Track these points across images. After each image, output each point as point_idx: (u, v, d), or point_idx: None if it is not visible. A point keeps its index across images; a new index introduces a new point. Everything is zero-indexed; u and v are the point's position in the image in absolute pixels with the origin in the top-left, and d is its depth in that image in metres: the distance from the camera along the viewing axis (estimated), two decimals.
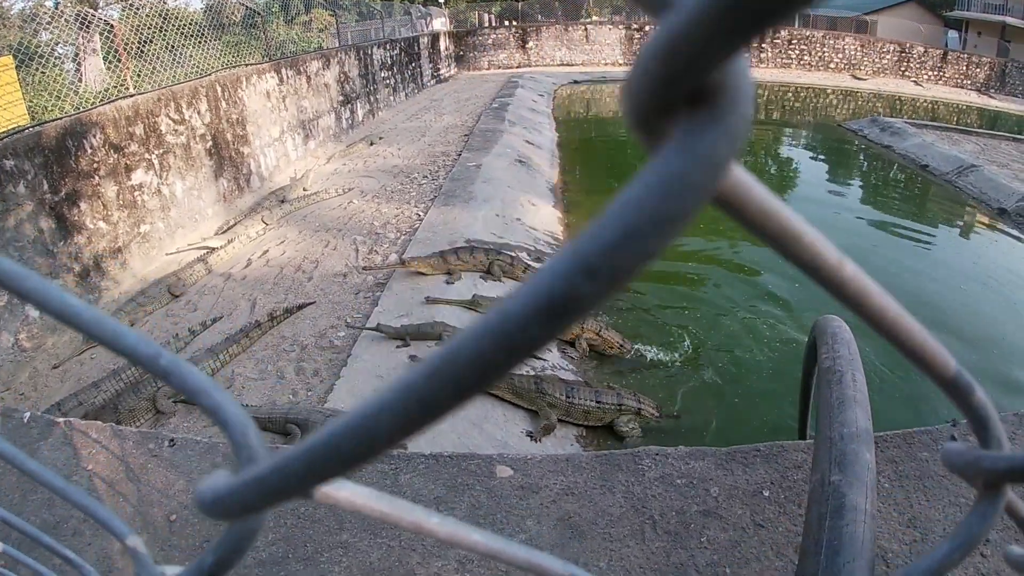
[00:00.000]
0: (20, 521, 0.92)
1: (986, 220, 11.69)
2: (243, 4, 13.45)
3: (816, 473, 2.11)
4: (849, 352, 2.59)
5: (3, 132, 6.86)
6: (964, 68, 32.33)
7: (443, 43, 29.66)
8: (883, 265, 9.25)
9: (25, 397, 5.69)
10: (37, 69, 8.09)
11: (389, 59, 20.29)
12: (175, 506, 2.81)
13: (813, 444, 2.32)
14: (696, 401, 6.06)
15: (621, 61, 33.36)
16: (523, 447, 5.10)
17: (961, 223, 11.77)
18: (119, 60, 8.82)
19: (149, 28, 9.49)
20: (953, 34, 42.33)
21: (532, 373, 5.76)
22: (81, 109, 7.87)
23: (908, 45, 33.12)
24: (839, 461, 2.04)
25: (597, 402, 5.47)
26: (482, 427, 5.19)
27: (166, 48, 9.69)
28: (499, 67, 32.71)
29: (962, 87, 31.92)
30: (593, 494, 2.77)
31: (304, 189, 11.16)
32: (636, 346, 6.84)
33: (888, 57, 32.85)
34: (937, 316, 7.75)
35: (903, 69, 32.79)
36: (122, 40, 8.80)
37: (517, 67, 32.62)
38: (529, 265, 7.75)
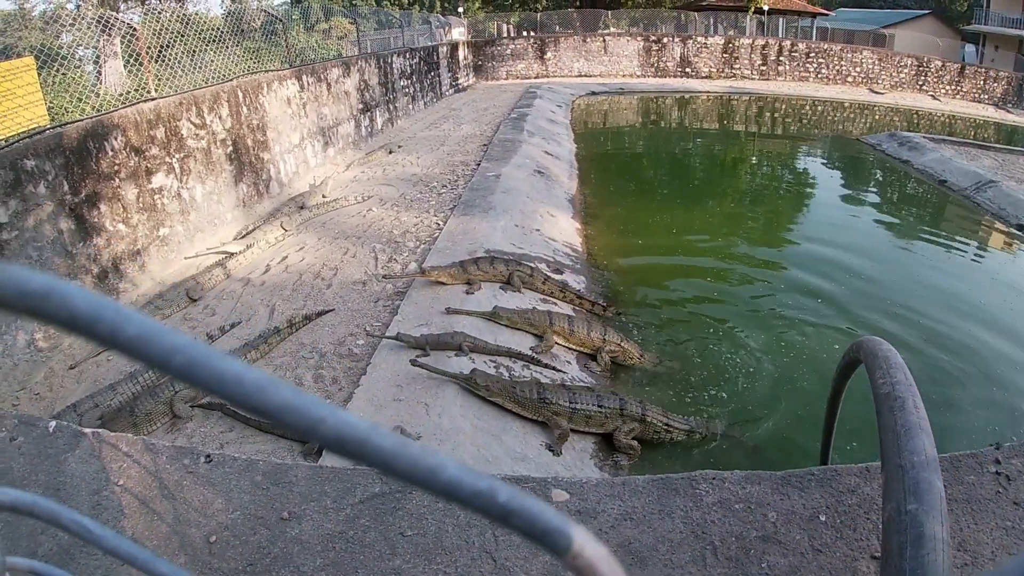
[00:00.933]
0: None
1: (1004, 236, 11.55)
2: (263, 10, 13.51)
3: (891, 502, 2.10)
4: (905, 377, 2.55)
5: (24, 132, 6.86)
6: (981, 82, 32.20)
7: (462, 53, 29.75)
8: (901, 281, 9.13)
9: (40, 397, 5.64)
10: (58, 70, 8.11)
11: (408, 68, 20.35)
12: (214, 526, 2.72)
13: (882, 472, 2.28)
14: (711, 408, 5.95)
15: (639, 73, 33.38)
16: (542, 460, 5.01)
17: (979, 239, 11.64)
18: (140, 63, 8.83)
19: (169, 32, 9.52)
20: (970, 48, 42.31)
21: (535, 381, 5.65)
22: (102, 111, 7.87)
23: (925, 59, 33.01)
24: (913, 490, 2.08)
25: (599, 406, 5.34)
26: (501, 438, 5.10)
27: (186, 53, 9.71)
28: (517, 77, 32.76)
29: (979, 101, 31.76)
30: (652, 519, 2.71)
31: (323, 196, 11.15)
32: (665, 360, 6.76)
33: (905, 71, 32.76)
34: (954, 333, 7.62)
35: (920, 83, 32.68)
36: (144, 43, 8.82)
37: (535, 77, 32.67)
38: (548, 276, 7.66)
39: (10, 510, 0.57)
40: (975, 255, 10.80)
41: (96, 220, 7.22)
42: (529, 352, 6.24)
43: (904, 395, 2.45)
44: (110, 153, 7.47)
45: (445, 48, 26.41)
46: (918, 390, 2.51)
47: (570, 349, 6.71)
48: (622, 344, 6.63)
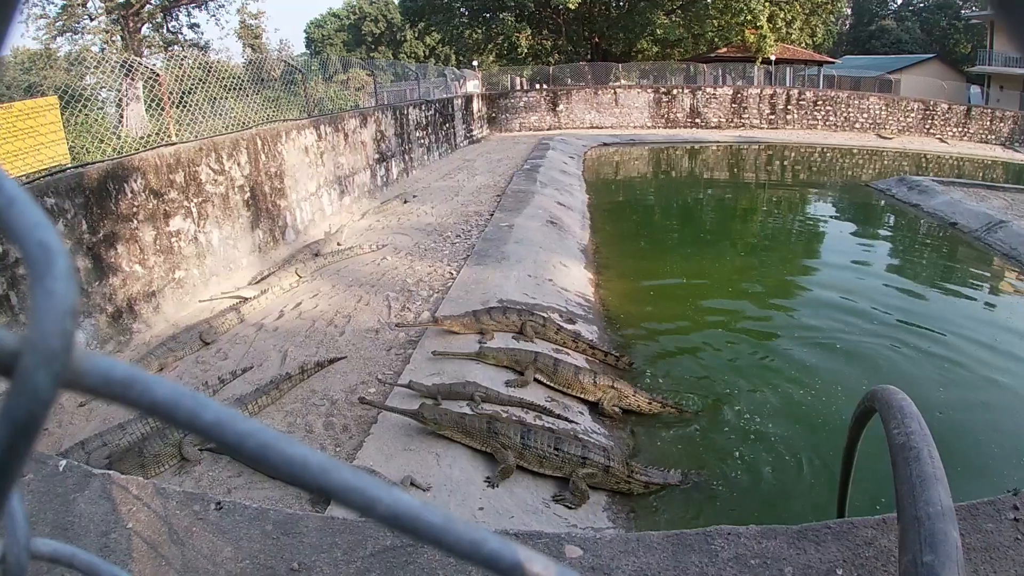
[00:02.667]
0: None
1: (1016, 276, 11.55)
2: (283, 60, 13.88)
3: (907, 554, 2.10)
4: (920, 427, 2.54)
5: (45, 170, 7.01)
6: (988, 123, 32.45)
7: (476, 105, 30.29)
8: (914, 324, 9.06)
9: (49, 433, 5.61)
10: (81, 111, 8.30)
11: (424, 119, 20.75)
12: (223, 575, 2.68)
13: (898, 523, 2.26)
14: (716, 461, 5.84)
15: (649, 124, 33.84)
16: (554, 511, 4.93)
17: (990, 280, 11.64)
18: (161, 108, 9.03)
19: (191, 79, 9.75)
20: (975, 89, 42.75)
21: (488, 412, 5.56)
22: (122, 153, 8.03)
23: (932, 103, 33.35)
24: (929, 541, 2.08)
25: (556, 449, 5.15)
26: (512, 490, 5.05)
27: (207, 99, 9.93)
28: (530, 129, 33.23)
29: (986, 142, 31.95)
30: None
31: (338, 244, 11.27)
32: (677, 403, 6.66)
33: (912, 115, 33.10)
34: (967, 376, 7.56)
35: (928, 127, 32.98)
36: (166, 89, 9.03)
37: (548, 129, 33.13)
38: (561, 327, 7.64)
39: (50, 561, 0.57)
40: (987, 297, 10.77)
41: (113, 260, 7.31)
42: (541, 403, 6.20)
43: (919, 445, 2.44)
44: (129, 195, 7.60)
45: (460, 100, 26.92)
46: (933, 439, 2.50)
47: (553, 390, 6.57)
48: (615, 386, 6.51)
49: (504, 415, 5.59)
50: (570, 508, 5.03)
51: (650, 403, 6.56)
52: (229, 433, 0.26)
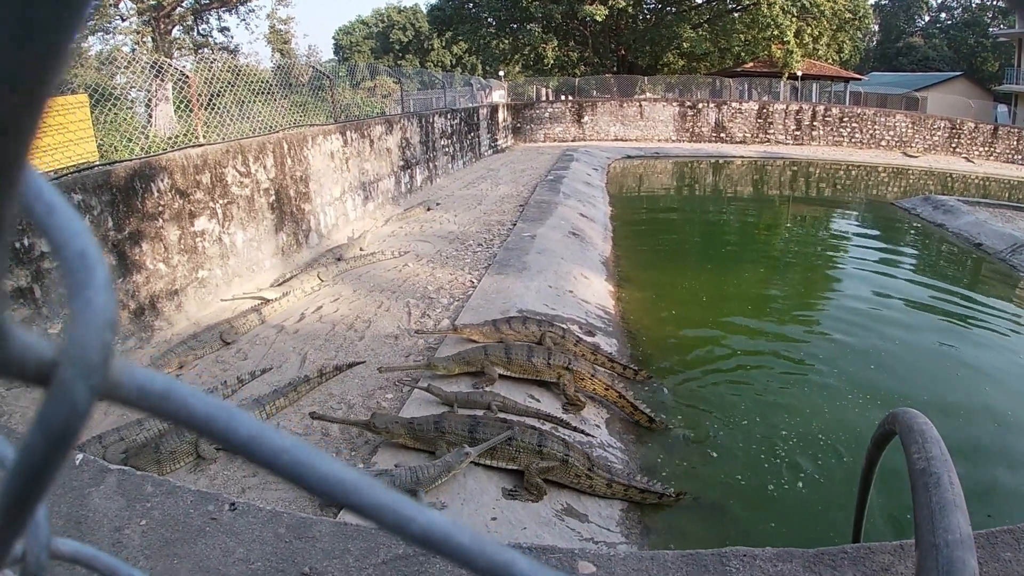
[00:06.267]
0: None
1: None
2: (311, 66, 14.03)
3: None
4: (941, 452, 2.49)
5: (74, 166, 7.11)
6: (1015, 143, 32.02)
7: (501, 115, 30.37)
8: (937, 346, 8.96)
9: None
10: (110, 110, 8.42)
11: (449, 128, 20.84)
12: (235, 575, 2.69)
13: (916, 550, 2.22)
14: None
15: (674, 137, 33.77)
16: (568, 524, 4.90)
17: (1016, 303, 11.44)
18: (190, 109, 9.14)
19: (220, 82, 9.86)
20: (1003, 108, 42.26)
21: (437, 414, 5.50)
22: (150, 152, 8.12)
23: (959, 121, 33.01)
24: (947, 569, 2.04)
25: (508, 440, 5.06)
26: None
27: (235, 102, 10.03)
28: (555, 140, 33.26)
29: (1013, 162, 31.54)
30: None
31: (361, 249, 11.32)
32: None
33: (939, 134, 32.79)
34: (991, 398, 7.44)
35: (954, 145, 32.63)
36: (195, 91, 9.15)
37: (572, 140, 33.13)
38: (580, 339, 7.60)
39: (70, 561, 0.57)
40: (1013, 318, 10.59)
41: (137, 258, 7.39)
42: (558, 415, 6.17)
43: (939, 471, 2.40)
44: (155, 194, 7.69)
45: (485, 110, 27.01)
46: (953, 465, 2.45)
47: (512, 378, 6.58)
48: (569, 367, 6.51)
49: (454, 413, 5.55)
50: (532, 501, 4.96)
51: (607, 389, 6.57)
52: (264, 449, 0.26)
